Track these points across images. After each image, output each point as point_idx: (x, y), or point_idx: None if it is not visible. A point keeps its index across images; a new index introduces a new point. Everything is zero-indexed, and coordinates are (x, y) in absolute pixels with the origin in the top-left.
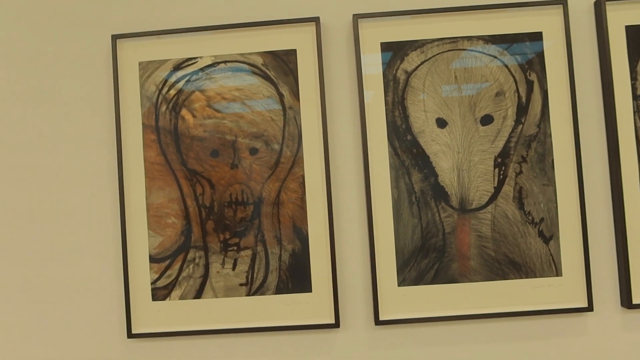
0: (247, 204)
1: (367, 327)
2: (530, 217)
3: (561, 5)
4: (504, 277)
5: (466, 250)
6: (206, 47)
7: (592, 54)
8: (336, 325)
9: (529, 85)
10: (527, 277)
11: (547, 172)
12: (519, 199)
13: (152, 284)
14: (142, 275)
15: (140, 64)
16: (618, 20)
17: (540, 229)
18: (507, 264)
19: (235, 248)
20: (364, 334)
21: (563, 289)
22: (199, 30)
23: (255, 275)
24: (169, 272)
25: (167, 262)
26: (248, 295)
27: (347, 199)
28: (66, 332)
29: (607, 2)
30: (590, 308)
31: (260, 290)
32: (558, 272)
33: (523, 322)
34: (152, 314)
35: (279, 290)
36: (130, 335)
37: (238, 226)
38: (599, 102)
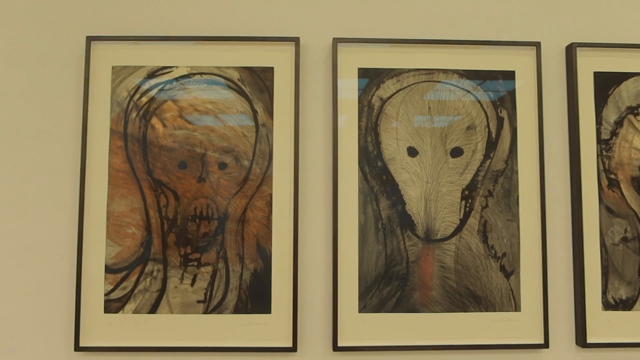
0: (211, 219)
1: (324, 353)
2: (493, 251)
3: (535, 47)
4: (465, 309)
5: (428, 281)
6: (183, 57)
7: (561, 96)
8: (293, 349)
9: (500, 121)
10: (486, 311)
11: (511, 207)
12: (484, 233)
13: (105, 295)
14: (96, 285)
15: (113, 68)
16: (587, 66)
17: (502, 264)
18: (468, 297)
19: (195, 263)
20: (321, 359)
21: (521, 325)
22: (177, 40)
23: (214, 292)
24: (124, 284)
25: (124, 273)
26: (205, 312)
27: (314, 221)
28: (8, 339)
29: (578, 47)
30: (546, 345)
31: (218, 309)
32: (517, 307)
33: (480, 355)
34: (102, 327)
35: (237, 310)
36: (77, 348)
37: (200, 241)
38: (565, 143)
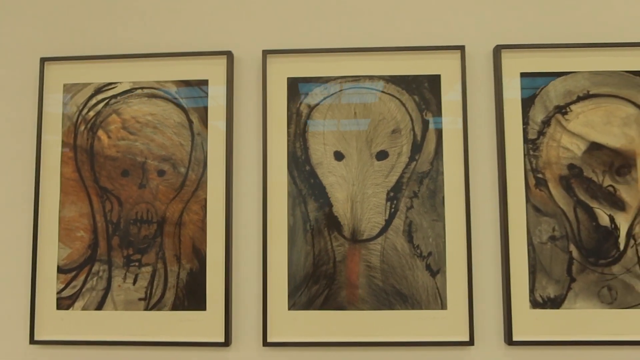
0: (151, 223)
1: (256, 348)
2: (418, 251)
3: (459, 51)
4: (391, 307)
5: (355, 279)
6: (126, 73)
7: (488, 97)
8: (226, 344)
9: (425, 124)
10: (413, 309)
11: (437, 208)
12: (409, 233)
13: (57, 293)
14: (49, 284)
15: (64, 85)
16: (514, 67)
17: (428, 263)
18: (394, 295)
19: (137, 264)
20: (252, 353)
21: (447, 322)
22: (121, 57)
23: (154, 291)
24: (74, 283)
25: (74, 273)
26: (146, 309)
27: (246, 223)
28: None
29: (503, 50)
30: (471, 342)
31: (157, 306)
32: (443, 306)
33: (407, 352)
34: (55, 322)
35: (175, 307)
36: (32, 341)
37: (141, 243)
38: (492, 143)
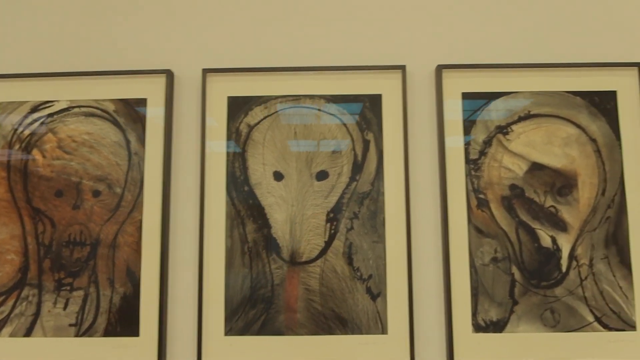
0: (84, 245)
1: None
2: (359, 273)
3: (400, 70)
4: (330, 332)
5: (293, 303)
6: (63, 92)
7: (430, 117)
8: None
9: (366, 144)
10: (353, 334)
11: (378, 229)
12: (349, 255)
13: None
14: None
15: (0, 104)
16: (456, 87)
17: (368, 286)
18: (333, 319)
19: (68, 288)
20: None
21: (388, 347)
22: (58, 75)
23: (85, 316)
24: (2, 308)
25: (2, 298)
26: (77, 336)
27: (182, 245)
28: None
29: (444, 69)
30: None
31: (88, 332)
32: (384, 330)
33: None
34: None
35: (107, 333)
36: None
37: (73, 266)
38: (434, 164)
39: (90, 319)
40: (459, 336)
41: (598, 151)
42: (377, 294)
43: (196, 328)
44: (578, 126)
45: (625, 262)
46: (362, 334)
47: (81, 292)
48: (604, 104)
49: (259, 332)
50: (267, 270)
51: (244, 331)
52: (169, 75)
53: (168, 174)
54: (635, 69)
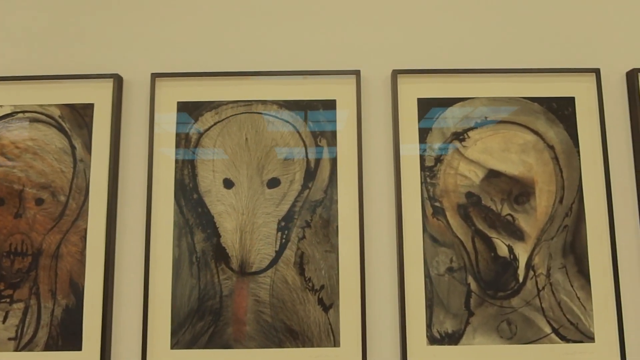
0: (25, 255)
1: None
2: (310, 284)
3: (354, 75)
4: (280, 345)
5: (242, 315)
6: (7, 97)
7: (385, 123)
8: None
9: (319, 151)
10: (304, 346)
11: (330, 238)
12: (300, 265)
13: None
14: None
15: None
16: (411, 92)
17: (320, 297)
18: (284, 332)
19: (8, 300)
20: None
21: None
22: (2, 80)
23: (25, 329)
24: None
25: None
26: (16, 350)
27: (128, 256)
28: None
29: (399, 74)
30: None
31: (29, 346)
32: (336, 343)
33: None
34: None
35: (48, 347)
36: None
37: (14, 277)
38: (389, 171)
39: (30, 332)
40: (413, 349)
41: (556, 158)
42: (329, 305)
43: (141, 341)
44: (535, 133)
45: (583, 272)
46: (313, 346)
47: (21, 305)
48: (562, 110)
49: (207, 346)
50: (216, 280)
51: (191, 344)
52: (117, 79)
53: (115, 182)
54: (594, 74)
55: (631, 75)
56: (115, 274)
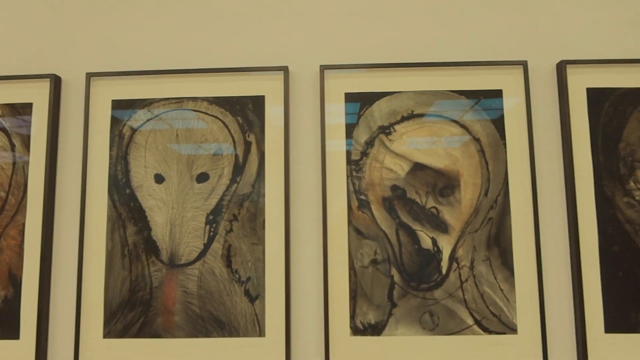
0: None
1: None
2: (237, 276)
3: (282, 71)
4: (208, 334)
5: (171, 306)
6: None
7: (313, 118)
8: None
9: (247, 146)
10: (230, 336)
11: (257, 231)
12: (228, 257)
13: None
14: None
15: None
16: (338, 87)
17: (247, 288)
18: (211, 322)
19: None
20: None
21: (265, 350)
22: None
23: None
24: None
25: None
26: None
27: (64, 249)
28: None
29: (326, 70)
30: None
31: None
32: (261, 333)
33: None
34: None
35: None
36: None
37: None
38: (316, 165)
39: None
40: (336, 339)
41: (482, 151)
42: (255, 296)
43: (74, 331)
44: (462, 126)
45: (507, 264)
46: (239, 336)
47: None
48: (489, 103)
49: (137, 335)
50: (146, 272)
51: (122, 334)
52: (55, 79)
53: (52, 178)
54: (521, 67)
55: (560, 68)
56: (53, 266)
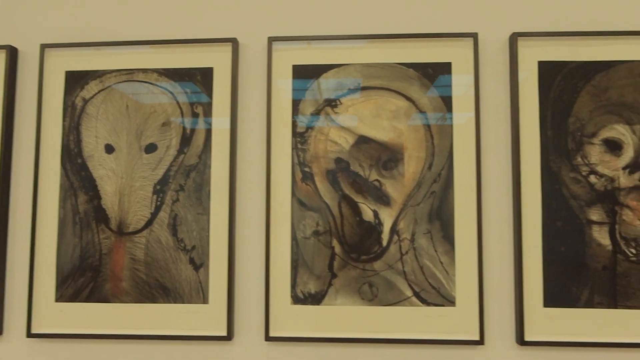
0: None
1: (20, 340)
2: (182, 244)
3: (231, 43)
4: (154, 300)
5: (119, 272)
6: None
7: (260, 91)
8: None
9: (195, 117)
10: (175, 302)
11: (202, 201)
12: (174, 226)
13: None
14: None
15: None
16: (286, 60)
17: (192, 257)
18: (157, 288)
19: None
20: (17, 346)
21: (208, 317)
22: None
23: None
24: None
25: None
26: None
27: (19, 216)
28: None
29: (274, 42)
30: (229, 337)
31: None
32: (205, 300)
33: (167, 345)
34: None
35: None
36: None
37: None
38: (262, 137)
39: None
40: (277, 307)
41: (428, 124)
42: (199, 264)
43: (27, 294)
44: (409, 99)
45: (448, 238)
46: (184, 303)
47: None
48: (437, 76)
49: (87, 299)
50: (96, 240)
51: (73, 298)
52: (11, 50)
53: (7, 147)
54: (471, 40)
55: (512, 40)
56: (9, 232)
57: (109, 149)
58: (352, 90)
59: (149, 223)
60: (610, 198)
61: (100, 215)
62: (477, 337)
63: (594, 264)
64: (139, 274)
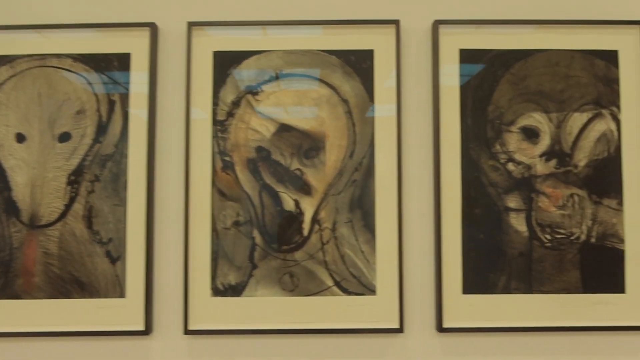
0: None
1: None
2: (98, 237)
3: (149, 28)
4: (68, 295)
5: (31, 267)
6: None
7: (179, 77)
8: None
9: (111, 105)
10: (91, 297)
11: (119, 192)
12: (89, 218)
13: None
14: None
15: None
16: (206, 45)
17: (108, 250)
18: (72, 283)
19: None
20: None
21: (125, 311)
22: None
23: None
24: None
25: None
26: None
27: None
28: None
29: (194, 27)
30: (147, 332)
31: None
32: (122, 294)
33: (84, 341)
34: None
35: None
36: None
37: None
38: (180, 125)
39: None
40: (196, 300)
41: (349, 112)
42: (116, 257)
43: None
44: (331, 86)
45: (369, 227)
46: (100, 297)
47: None
48: (359, 64)
49: None
50: (7, 233)
51: None
52: None
53: None
54: (393, 27)
55: (434, 28)
56: None
57: (20, 137)
58: (273, 77)
59: (62, 215)
60: (527, 185)
61: (11, 208)
62: (397, 325)
63: (511, 250)
64: (52, 269)
